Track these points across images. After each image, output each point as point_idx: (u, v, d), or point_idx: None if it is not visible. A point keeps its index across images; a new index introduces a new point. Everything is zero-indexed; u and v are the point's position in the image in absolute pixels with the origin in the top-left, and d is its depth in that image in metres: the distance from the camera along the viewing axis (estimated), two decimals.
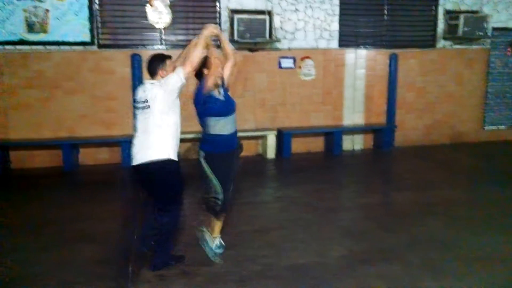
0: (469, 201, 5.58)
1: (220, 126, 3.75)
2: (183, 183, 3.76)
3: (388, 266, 3.76)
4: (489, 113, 9.42)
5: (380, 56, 8.66)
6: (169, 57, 3.81)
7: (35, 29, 7.17)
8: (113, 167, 7.52)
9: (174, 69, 3.67)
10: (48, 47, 7.26)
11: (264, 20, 7.51)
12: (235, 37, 7.42)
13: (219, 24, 7.78)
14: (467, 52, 9.04)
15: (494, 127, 9.51)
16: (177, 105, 3.67)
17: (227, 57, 4.02)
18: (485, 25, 8.48)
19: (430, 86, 9.00)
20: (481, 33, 8.48)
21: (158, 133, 3.56)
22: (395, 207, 5.47)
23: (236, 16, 7.44)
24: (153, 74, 3.69)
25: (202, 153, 3.78)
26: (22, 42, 7.15)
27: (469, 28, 8.43)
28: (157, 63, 3.70)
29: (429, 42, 8.89)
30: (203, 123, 3.80)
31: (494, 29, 8.91)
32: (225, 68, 3.96)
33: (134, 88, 7.39)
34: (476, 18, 8.47)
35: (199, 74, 3.85)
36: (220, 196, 3.75)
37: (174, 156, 3.61)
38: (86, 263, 3.91)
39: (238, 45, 7.79)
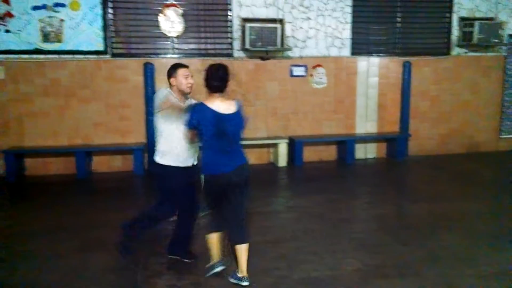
0: (487, 213, 5.46)
1: None
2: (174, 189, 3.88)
3: (403, 281, 3.69)
4: (505, 121, 9.26)
5: (393, 64, 8.58)
6: (184, 66, 3.93)
7: (50, 38, 7.26)
8: (126, 174, 7.56)
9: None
10: (62, 56, 7.34)
11: (276, 29, 7.51)
12: (247, 46, 7.43)
13: (231, 32, 7.80)
14: (482, 60, 8.92)
15: (511, 136, 9.35)
16: (167, 117, 3.75)
17: None
18: (501, 32, 8.38)
19: (444, 95, 8.89)
20: (496, 40, 8.38)
21: (159, 138, 3.90)
22: (410, 219, 5.38)
23: (248, 25, 7.44)
24: (167, 79, 3.91)
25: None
26: (37, 51, 7.24)
27: (484, 35, 8.33)
28: (171, 71, 3.89)
29: (443, 50, 8.79)
30: None
31: (510, 35, 8.78)
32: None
33: (147, 96, 7.44)
34: (491, 25, 8.36)
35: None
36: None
37: (161, 160, 3.84)
38: (99, 271, 3.92)
39: (250, 53, 7.80)
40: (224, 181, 3.51)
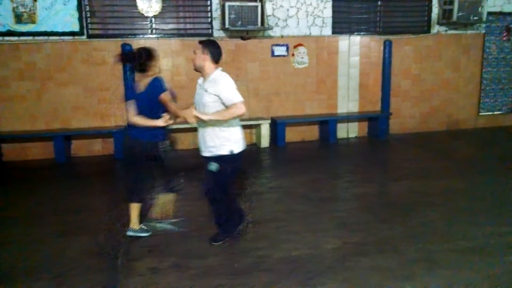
0: (467, 190, 5.53)
1: None
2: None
3: (383, 258, 3.72)
4: (484, 99, 9.37)
5: (374, 43, 8.56)
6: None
7: (23, 19, 7.04)
8: (106, 158, 7.48)
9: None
10: (37, 37, 7.13)
11: (256, 7, 7.41)
12: (226, 25, 7.31)
13: (210, 11, 7.66)
14: (462, 38, 8.96)
15: (490, 113, 9.47)
16: None
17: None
18: (480, 9, 8.39)
19: (425, 73, 8.93)
20: (476, 18, 8.40)
21: None
22: (391, 197, 5.42)
23: (227, 3, 7.31)
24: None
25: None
26: (10, 33, 7.02)
27: (463, 13, 8.34)
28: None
29: (424, 28, 8.79)
30: None
31: (489, 13, 8.80)
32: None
33: (126, 79, 7.29)
34: (471, 3, 8.37)
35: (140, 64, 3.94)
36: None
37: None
38: (79, 255, 3.88)
39: (230, 33, 7.69)
40: None
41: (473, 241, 4.02)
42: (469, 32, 8.94)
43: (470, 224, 4.40)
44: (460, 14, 8.30)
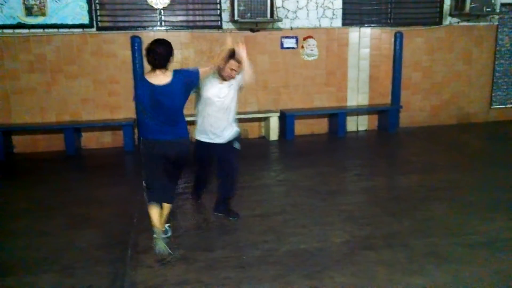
0: (476, 184, 5.47)
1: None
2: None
3: (391, 252, 3.70)
4: (497, 92, 9.23)
5: (385, 35, 8.46)
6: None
7: (34, 12, 7.06)
8: (115, 150, 7.51)
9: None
10: (47, 30, 7.16)
11: None
12: (236, 17, 7.27)
13: (219, 3, 7.62)
14: (475, 29, 8.81)
15: (502, 106, 9.34)
16: None
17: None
18: (493, 0, 8.23)
19: (436, 65, 8.82)
20: (489, 9, 8.24)
21: None
22: (400, 190, 5.39)
23: None
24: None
25: None
26: (20, 25, 7.05)
27: (476, 4, 8.19)
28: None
29: (436, 19, 8.66)
30: None
31: (503, 4, 8.64)
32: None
33: (135, 71, 7.31)
34: None
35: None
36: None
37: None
38: (87, 247, 3.90)
39: (239, 25, 7.65)
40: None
41: (482, 236, 3.98)
42: (481, 23, 8.79)
43: (480, 219, 4.36)
44: (473, 5, 8.15)
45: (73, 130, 7.28)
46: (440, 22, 8.65)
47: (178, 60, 7.59)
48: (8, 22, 7.00)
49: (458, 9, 8.41)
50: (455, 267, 3.43)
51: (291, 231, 4.14)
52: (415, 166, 6.29)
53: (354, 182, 5.73)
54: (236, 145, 4.31)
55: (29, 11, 7.03)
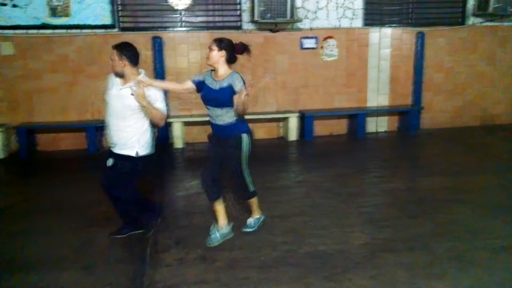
0: (500, 186, 5.35)
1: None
2: None
3: (412, 255, 3.65)
4: None
5: (406, 35, 8.36)
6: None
7: (57, 13, 7.19)
8: None
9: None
10: (70, 30, 7.28)
11: (286, 0, 7.32)
12: (256, 17, 7.27)
13: (240, 4, 7.63)
14: (498, 30, 8.64)
15: None
16: None
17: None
18: None
19: (459, 66, 8.67)
20: None
21: None
22: (421, 193, 5.30)
23: None
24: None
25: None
26: (44, 26, 7.19)
27: (500, 4, 8.03)
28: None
29: (458, 20, 8.52)
30: None
31: None
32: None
33: (156, 71, 7.37)
34: None
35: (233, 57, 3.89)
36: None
37: None
38: (108, 246, 3.95)
39: (259, 25, 7.66)
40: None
41: (506, 240, 3.89)
42: (505, 24, 8.61)
43: (503, 222, 4.26)
44: (496, 5, 7.99)
45: (94, 129, 7.38)
46: (463, 22, 8.50)
47: (197, 61, 7.65)
48: (32, 22, 7.14)
49: (481, 9, 8.26)
50: (478, 272, 3.36)
51: (311, 233, 4.12)
52: (437, 168, 6.19)
53: (374, 183, 5.67)
54: (109, 162, 3.96)
55: (53, 12, 7.17)
